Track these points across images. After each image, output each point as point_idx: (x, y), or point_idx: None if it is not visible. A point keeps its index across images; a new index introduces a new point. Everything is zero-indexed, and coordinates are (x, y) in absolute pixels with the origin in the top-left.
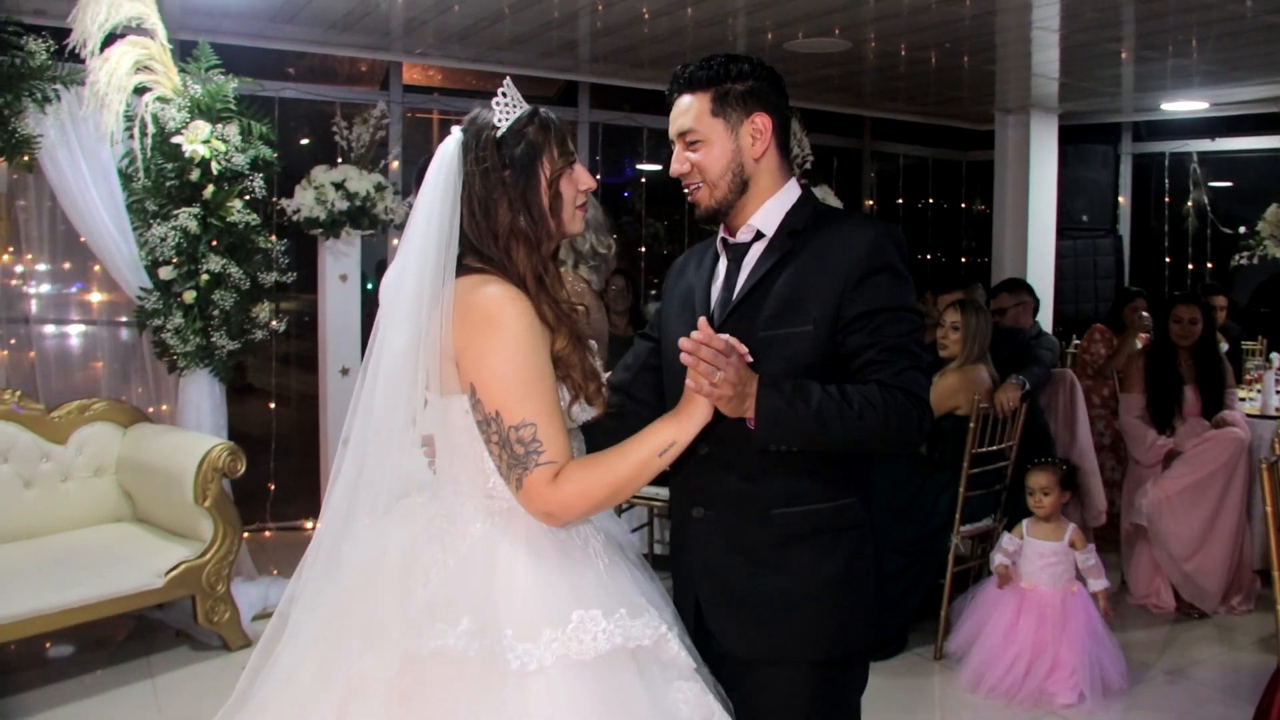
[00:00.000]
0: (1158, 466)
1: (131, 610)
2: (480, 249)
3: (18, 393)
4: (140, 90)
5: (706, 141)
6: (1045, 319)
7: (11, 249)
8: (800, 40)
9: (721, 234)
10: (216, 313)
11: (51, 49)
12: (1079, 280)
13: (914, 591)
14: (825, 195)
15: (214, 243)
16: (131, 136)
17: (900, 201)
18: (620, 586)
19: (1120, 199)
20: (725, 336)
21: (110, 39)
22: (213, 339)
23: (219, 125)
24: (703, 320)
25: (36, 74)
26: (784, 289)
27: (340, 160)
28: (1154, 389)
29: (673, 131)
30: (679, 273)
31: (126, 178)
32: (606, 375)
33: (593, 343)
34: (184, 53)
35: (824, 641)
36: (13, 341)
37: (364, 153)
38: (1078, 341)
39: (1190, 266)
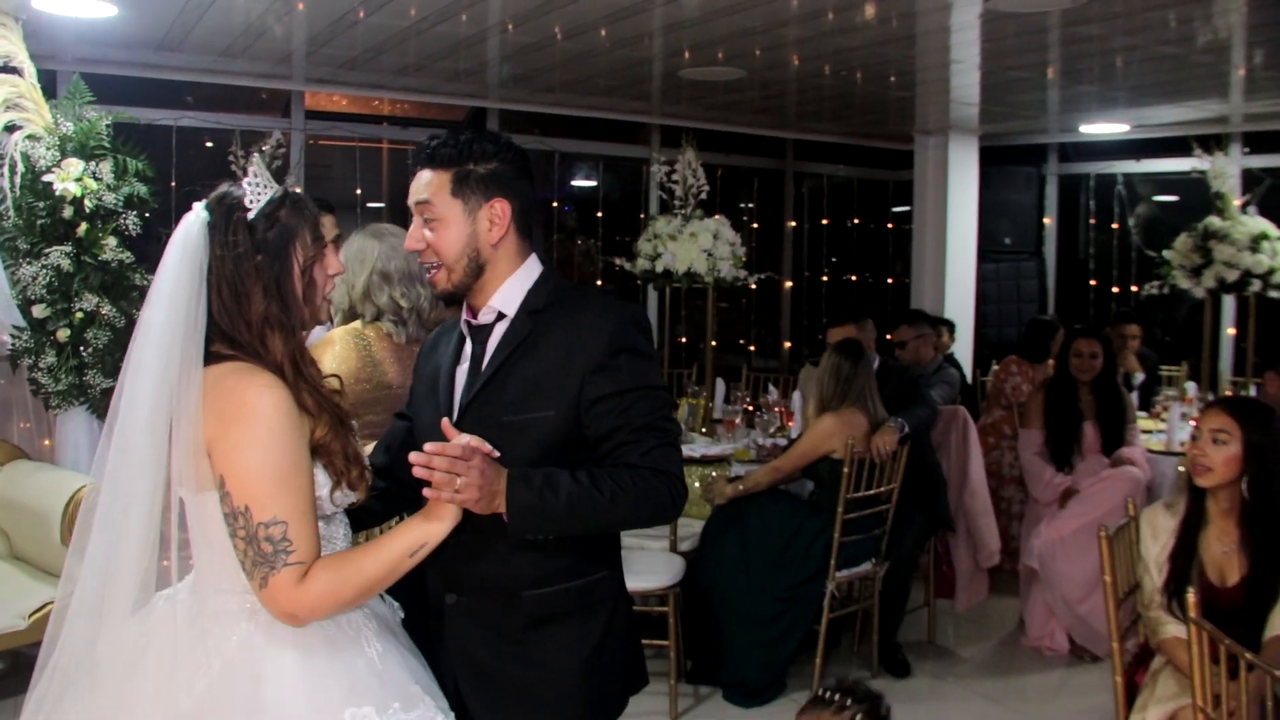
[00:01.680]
0: (1054, 505)
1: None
2: (232, 335)
3: None
4: (10, 128)
5: (443, 221)
6: (965, 344)
7: None
8: (701, 68)
9: (465, 315)
10: (90, 351)
11: None
12: (1002, 304)
13: (789, 637)
14: (720, 225)
15: (88, 279)
16: (1, 175)
17: (825, 221)
18: (394, 676)
19: (1045, 220)
20: (465, 440)
21: None
22: (86, 377)
23: (92, 162)
24: (445, 424)
25: None
26: (527, 373)
27: None
28: (1053, 424)
29: (411, 201)
30: (429, 352)
31: None
32: (367, 454)
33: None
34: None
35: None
36: None
37: None
38: (995, 367)
39: (1115, 290)
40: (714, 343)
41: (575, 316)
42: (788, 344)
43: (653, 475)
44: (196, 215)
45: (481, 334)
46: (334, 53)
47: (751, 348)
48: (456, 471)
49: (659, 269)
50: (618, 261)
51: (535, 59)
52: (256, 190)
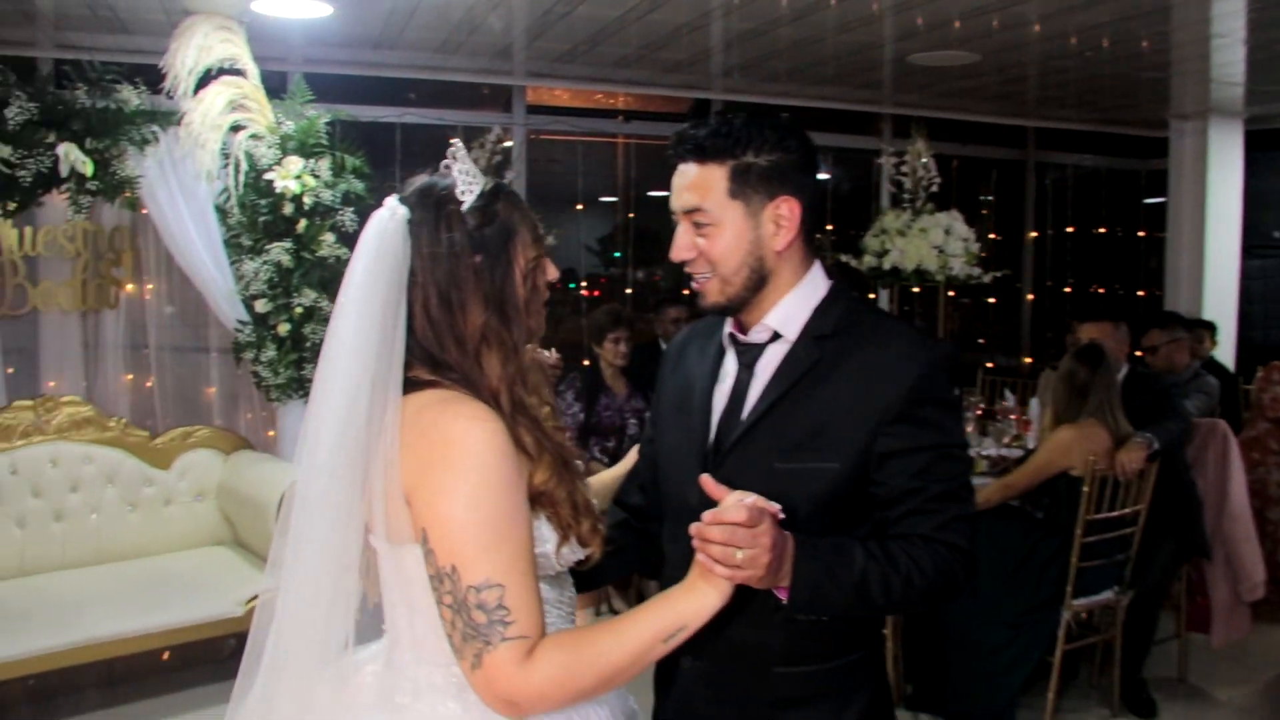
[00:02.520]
0: None
1: (215, 636)
2: (437, 356)
3: (123, 420)
4: (235, 128)
5: (719, 225)
6: (1227, 348)
7: (131, 284)
8: (932, 53)
9: (730, 328)
10: (308, 345)
11: (144, 94)
12: (1269, 304)
13: (1019, 667)
14: (953, 220)
15: (307, 275)
16: (226, 174)
17: (1069, 226)
18: None
19: None
20: (751, 501)
21: (207, 78)
22: (304, 371)
23: (311, 160)
24: (706, 480)
25: (130, 119)
26: (810, 413)
27: None
28: None
29: (675, 205)
30: (678, 358)
31: (223, 213)
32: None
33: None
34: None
35: None
36: (129, 377)
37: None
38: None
39: None
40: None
41: (875, 350)
42: (1028, 359)
43: (949, 552)
44: (391, 211)
45: (750, 354)
46: (550, 45)
47: (990, 353)
48: (737, 544)
49: (886, 266)
50: (844, 258)
51: (758, 45)
52: (467, 180)
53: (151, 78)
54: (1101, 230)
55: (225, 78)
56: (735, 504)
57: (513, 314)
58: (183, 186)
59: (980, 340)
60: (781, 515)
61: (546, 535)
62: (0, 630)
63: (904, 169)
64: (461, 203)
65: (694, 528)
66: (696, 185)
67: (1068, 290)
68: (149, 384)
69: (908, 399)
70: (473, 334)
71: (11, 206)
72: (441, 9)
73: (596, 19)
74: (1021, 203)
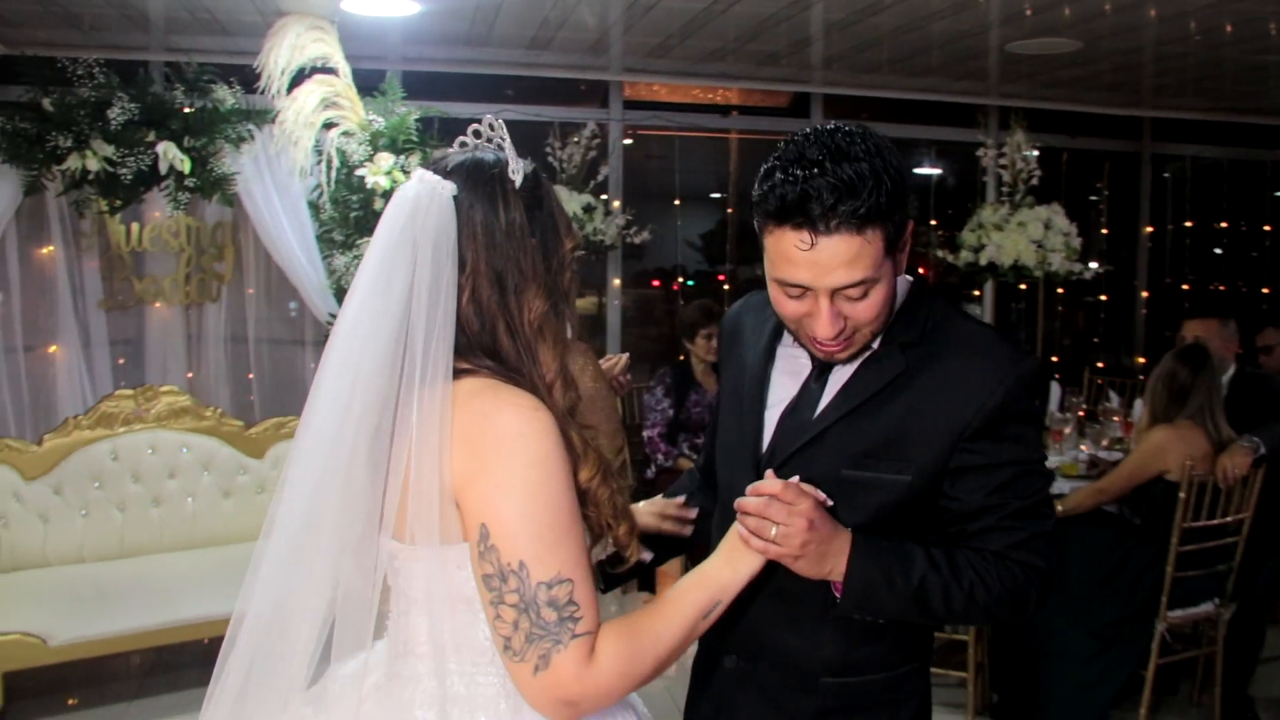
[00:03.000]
0: None
1: None
2: (485, 345)
3: (219, 410)
4: (328, 125)
5: (876, 286)
6: None
7: (231, 278)
8: (1031, 41)
9: None
10: None
11: (239, 94)
12: None
13: (1110, 680)
14: (1053, 214)
15: None
16: (319, 170)
17: (1188, 221)
18: None
19: None
20: (794, 482)
21: (300, 77)
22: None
23: (401, 156)
24: (769, 477)
25: (225, 118)
26: (886, 424)
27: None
28: None
29: (820, 283)
30: (733, 335)
31: (316, 209)
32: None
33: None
34: (405, 85)
35: None
36: (228, 367)
37: (575, 173)
38: None
39: None
40: (1053, 354)
41: (960, 362)
42: (1141, 359)
43: (1021, 571)
44: (431, 185)
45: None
46: (641, 40)
47: (1101, 352)
48: (771, 518)
49: (983, 262)
50: (940, 253)
51: (855, 34)
52: (514, 158)
53: (250, 77)
54: (1223, 224)
55: (318, 76)
56: (774, 480)
57: (563, 305)
58: (277, 183)
59: (1094, 339)
60: (829, 503)
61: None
62: (101, 609)
63: (1003, 162)
64: (514, 180)
65: (740, 502)
66: (859, 257)
67: (1185, 287)
68: (249, 375)
69: (991, 415)
70: (530, 323)
71: (115, 204)
72: (525, 6)
73: (687, 10)
74: (1136, 196)
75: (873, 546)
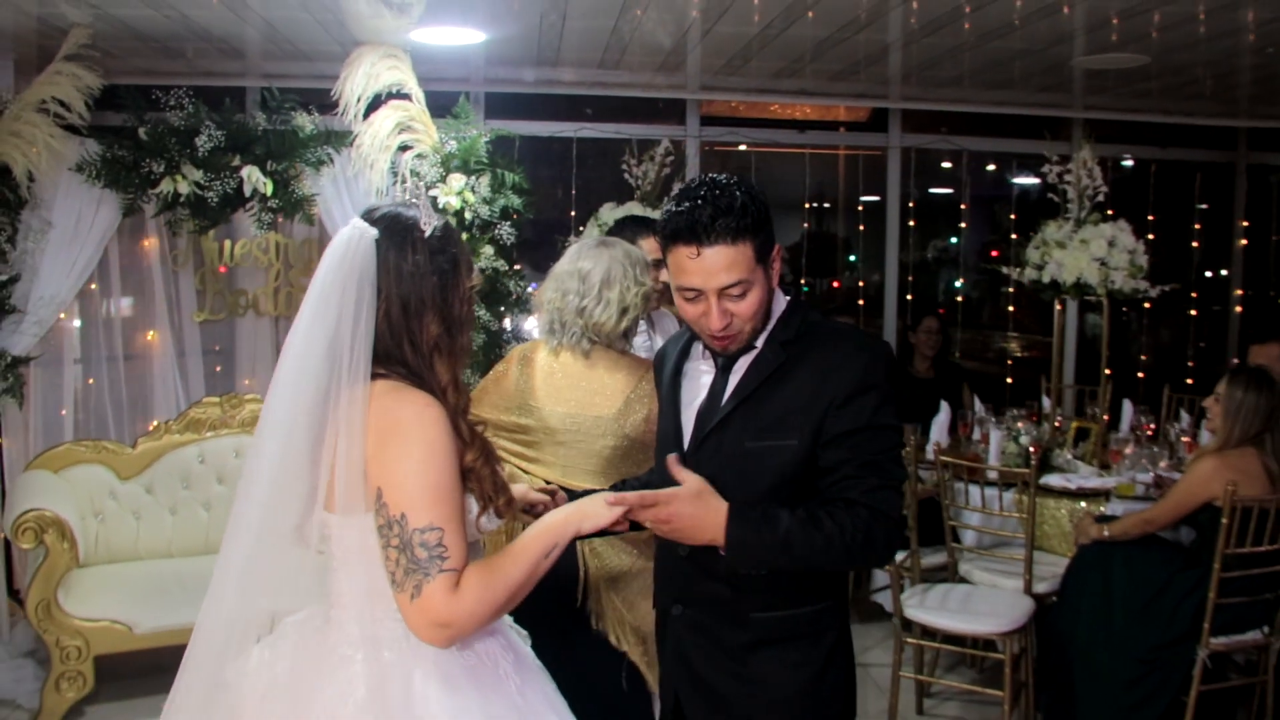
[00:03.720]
0: None
1: None
2: (395, 355)
3: None
4: (403, 148)
5: (751, 289)
6: None
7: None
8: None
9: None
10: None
11: (318, 118)
12: None
13: (1151, 705)
14: (1118, 231)
15: None
16: (394, 191)
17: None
18: (535, 709)
19: None
20: (655, 493)
21: (378, 102)
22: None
23: (472, 177)
24: (672, 461)
25: (304, 144)
26: (774, 404)
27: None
28: None
29: (710, 285)
30: (660, 362)
31: None
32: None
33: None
34: (490, 107)
35: None
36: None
37: (649, 190)
38: None
39: None
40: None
41: (827, 351)
42: (1234, 360)
43: (869, 515)
44: (360, 230)
45: (728, 361)
46: (711, 59)
47: (1193, 372)
48: (647, 518)
49: (1045, 279)
50: (1005, 270)
51: (928, 48)
52: (428, 215)
53: (332, 101)
54: None
55: (393, 102)
56: (651, 493)
57: (456, 330)
58: (355, 203)
59: (1189, 363)
60: (706, 488)
61: (470, 506)
62: (183, 600)
63: (1068, 177)
64: (423, 232)
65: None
66: (735, 263)
67: None
68: None
69: (851, 388)
70: (427, 341)
71: (204, 224)
72: (586, 31)
73: (752, 29)
74: (1230, 207)
75: (742, 513)
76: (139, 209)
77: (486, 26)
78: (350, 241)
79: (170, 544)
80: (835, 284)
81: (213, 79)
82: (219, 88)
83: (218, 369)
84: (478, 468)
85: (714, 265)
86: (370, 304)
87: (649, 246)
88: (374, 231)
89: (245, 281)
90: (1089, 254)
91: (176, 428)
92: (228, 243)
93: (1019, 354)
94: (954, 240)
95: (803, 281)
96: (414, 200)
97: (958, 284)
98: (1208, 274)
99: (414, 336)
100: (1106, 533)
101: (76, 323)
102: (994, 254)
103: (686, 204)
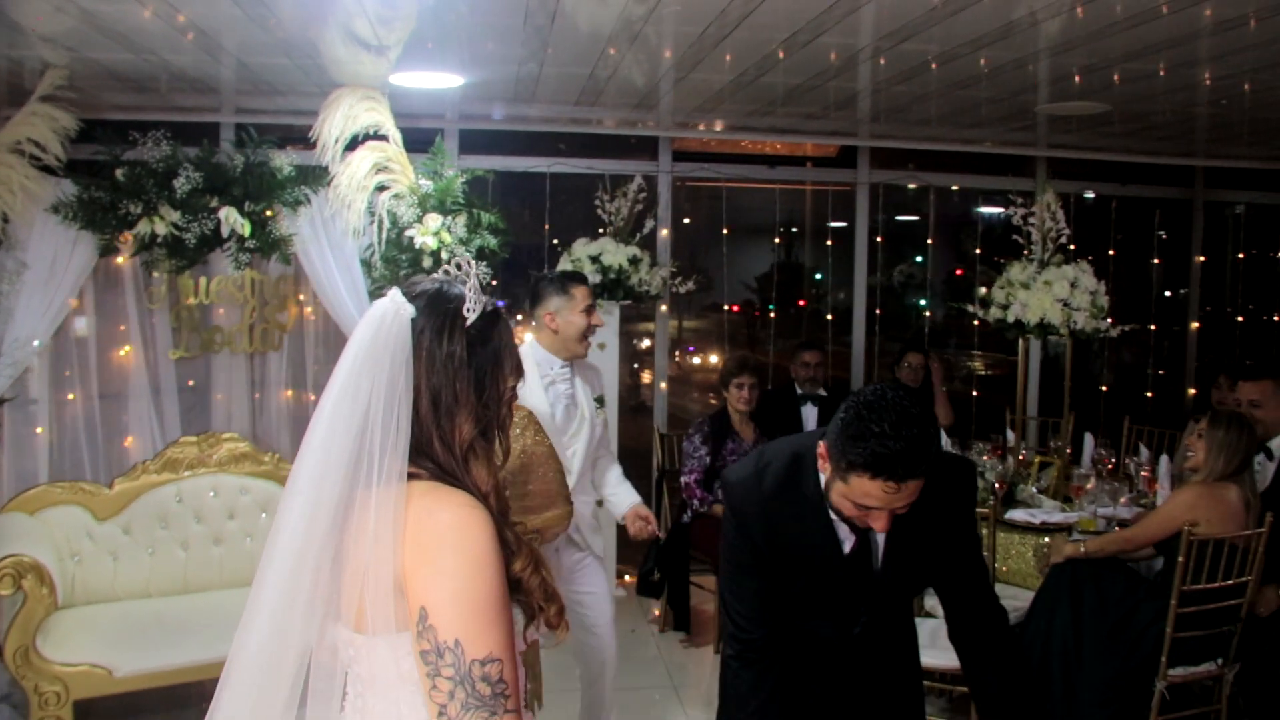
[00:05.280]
0: None
1: None
2: (429, 452)
3: (277, 455)
4: (380, 188)
5: None
6: None
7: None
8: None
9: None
10: None
11: (295, 158)
12: None
13: None
14: (1080, 273)
15: None
16: (371, 230)
17: (1241, 255)
18: None
19: None
20: None
21: (355, 142)
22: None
23: (448, 217)
24: None
25: (282, 185)
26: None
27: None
28: None
29: (893, 505)
30: (770, 520)
31: (369, 266)
32: None
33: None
34: (464, 143)
35: None
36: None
37: (622, 225)
38: None
39: None
40: (1069, 409)
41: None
42: (1192, 390)
43: None
44: (397, 305)
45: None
46: (683, 101)
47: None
48: None
49: (1010, 319)
50: (970, 308)
51: (897, 95)
52: (475, 297)
53: (307, 136)
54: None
55: (370, 143)
56: None
57: (493, 434)
58: (332, 243)
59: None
60: None
61: (516, 617)
62: (163, 641)
63: (1031, 220)
64: (466, 318)
65: None
66: (917, 489)
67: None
68: (308, 421)
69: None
70: (461, 442)
71: (181, 264)
72: (562, 77)
73: (715, 81)
74: (1188, 243)
75: None
76: (116, 250)
77: (465, 71)
78: (385, 318)
79: (148, 584)
80: (801, 302)
81: (188, 114)
82: (194, 124)
83: (187, 407)
84: (526, 578)
85: (906, 494)
86: (406, 390)
87: (582, 291)
88: (411, 309)
89: (221, 318)
90: (1052, 295)
91: (154, 467)
92: (203, 279)
93: (983, 372)
94: (920, 260)
95: (770, 304)
96: (462, 276)
97: (922, 302)
98: (1167, 293)
99: (444, 435)
100: (1084, 549)
101: (49, 362)
102: (958, 272)
103: (891, 444)
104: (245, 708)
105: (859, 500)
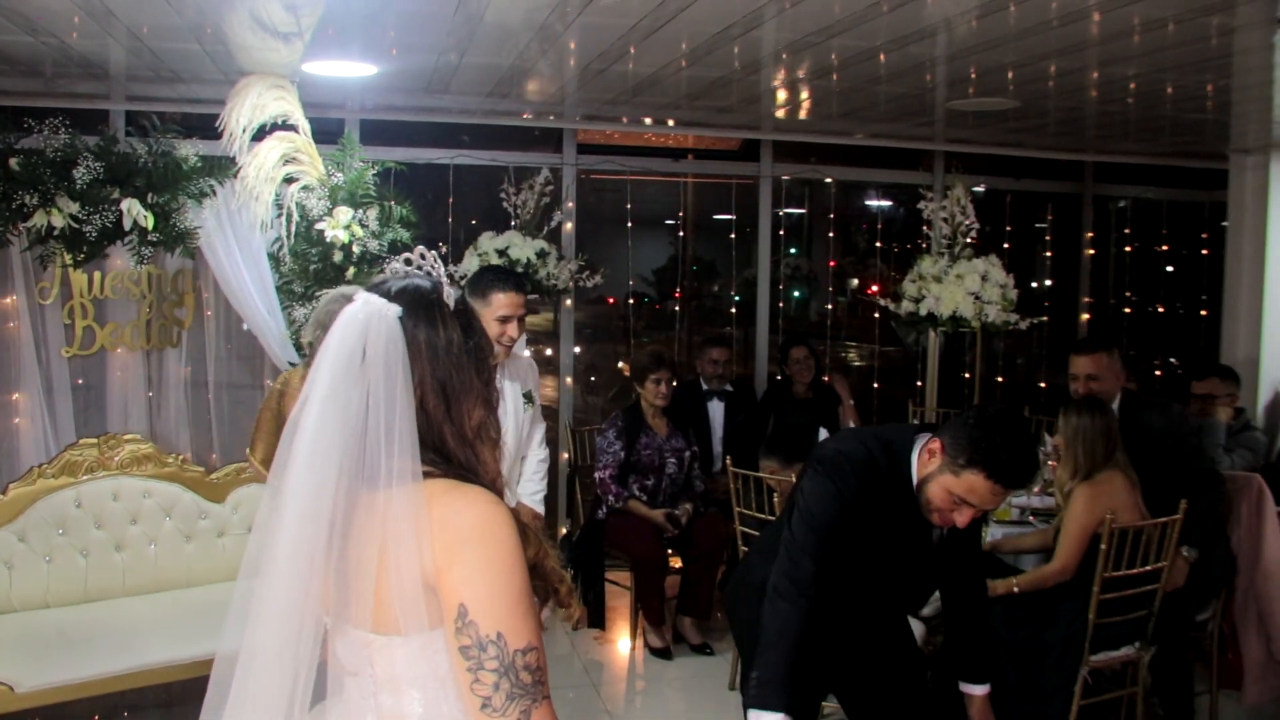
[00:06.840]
0: None
1: None
2: (441, 448)
3: (181, 456)
4: (288, 180)
5: None
6: None
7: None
8: (971, 100)
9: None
10: None
11: (202, 147)
12: None
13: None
14: (990, 266)
15: None
16: (279, 224)
17: (1129, 249)
18: None
19: None
20: None
21: (262, 133)
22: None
23: (359, 210)
24: None
25: (188, 176)
26: None
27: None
28: None
29: (989, 506)
30: (871, 495)
31: (276, 261)
32: None
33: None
34: (365, 133)
35: None
36: (189, 411)
37: (529, 218)
38: None
39: None
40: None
41: None
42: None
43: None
44: (379, 307)
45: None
46: (594, 95)
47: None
48: None
49: (923, 312)
50: (883, 302)
51: (801, 92)
52: (445, 283)
53: (212, 126)
54: (1164, 248)
55: (279, 133)
56: None
57: (493, 410)
58: (238, 236)
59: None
60: None
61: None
62: (65, 654)
63: (944, 215)
64: (449, 304)
65: None
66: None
67: (1127, 310)
68: (208, 418)
69: None
70: (474, 428)
71: (79, 258)
72: (482, 68)
73: (638, 72)
74: (1078, 235)
75: None
76: (7, 242)
77: (380, 61)
78: (369, 322)
79: (47, 594)
80: (677, 293)
81: (76, 101)
82: (84, 110)
83: (80, 406)
84: (541, 560)
85: (1000, 500)
86: (406, 389)
87: (501, 301)
88: (396, 308)
89: (116, 314)
90: (964, 288)
91: (51, 471)
92: (97, 274)
93: (859, 363)
94: (793, 250)
95: (670, 297)
96: (427, 266)
97: (797, 293)
98: (1049, 282)
99: (459, 425)
100: (1017, 588)
101: None
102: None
103: (1015, 454)
104: (249, 717)
105: (962, 495)
